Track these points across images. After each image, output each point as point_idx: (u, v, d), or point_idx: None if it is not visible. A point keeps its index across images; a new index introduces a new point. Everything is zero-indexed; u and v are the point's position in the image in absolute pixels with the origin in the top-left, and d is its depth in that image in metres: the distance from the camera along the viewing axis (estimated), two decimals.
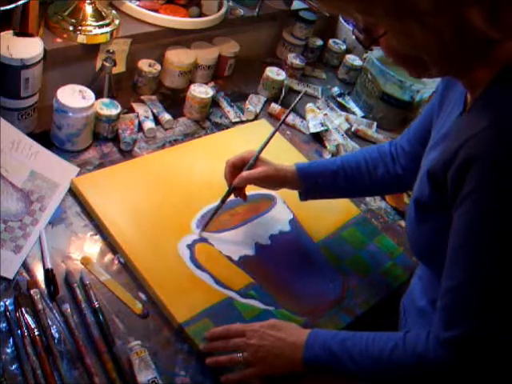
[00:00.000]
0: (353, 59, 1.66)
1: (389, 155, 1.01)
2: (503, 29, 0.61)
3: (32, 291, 0.84)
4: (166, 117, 1.25)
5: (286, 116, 1.03)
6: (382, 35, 0.66)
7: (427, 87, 1.45)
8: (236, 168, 1.00)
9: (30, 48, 0.98)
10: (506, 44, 0.64)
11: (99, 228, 0.99)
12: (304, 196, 1.04)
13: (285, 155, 1.20)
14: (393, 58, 0.69)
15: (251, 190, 1.06)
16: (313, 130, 1.39)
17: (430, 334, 0.72)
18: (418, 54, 0.65)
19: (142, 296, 0.92)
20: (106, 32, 1.14)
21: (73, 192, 1.03)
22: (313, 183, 1.01)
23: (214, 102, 1.35)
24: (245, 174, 0.99)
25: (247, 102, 1.42)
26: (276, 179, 1.01)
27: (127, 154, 1.15)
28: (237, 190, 1.02)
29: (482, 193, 0.63)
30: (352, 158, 1.03)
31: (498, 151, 0.61)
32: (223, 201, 1.02)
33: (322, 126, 1.39)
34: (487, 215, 0.63)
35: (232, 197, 1.03)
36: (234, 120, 1.36)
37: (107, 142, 1.16)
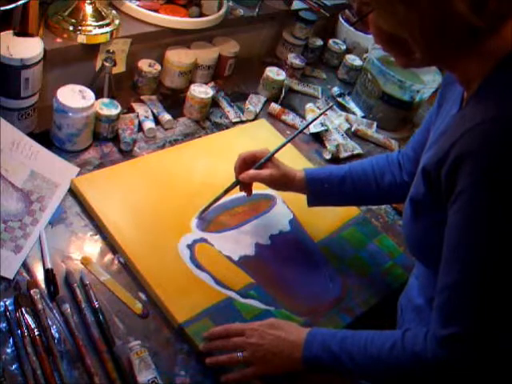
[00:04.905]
0: (353, 59, 1.66)
1: (397, 163, 1.01)
2: (487, 18, 0.62)
3: (32, 291, 0.84)
4: (166, 117, 1.25)
5: (312, 122, 1.03)
6: (369, 12, 0.67)
7: (427, 87, 1.45)
8: (246, 163, 1.01)
9: (30, 48, 0.98)
10: (497, 37, 0.64)
11: (99, 228, 0.99)
12: (311, 201, 1.04)
13: (284, 155, 1.19)
14: (378, 38, 0.71)
15: (253, 189, 1.06)
16: (313, 130, 1.38)
17: (428, 333, 0.72)
18: (402, 34, 0.66)
19: (142, 296, 0.92)
20: (106, 32, 1.14)
21: (73, 192, 1.03)
22: (319, 188, 1.01)
23: (214, 102, 1.35)
24: (252, 172, 0.99)
25: (247, 101, 1.42)
26: (283, 183, 1.01)
27: (127, 154, 1.15)
28: (243, 184, 1.03)
29: (475, 189, 0.63)
30: (359, 164, 1.04)
31: (490, 147, 0.61)
32: (226, 191, 1.03)
33: (322, 125, 1.39)
34: (481, 211, 0.63)
35: (234, 193, 1.03)
36: (234, 120, 1.36)
37: (107, 142, 1.16)
